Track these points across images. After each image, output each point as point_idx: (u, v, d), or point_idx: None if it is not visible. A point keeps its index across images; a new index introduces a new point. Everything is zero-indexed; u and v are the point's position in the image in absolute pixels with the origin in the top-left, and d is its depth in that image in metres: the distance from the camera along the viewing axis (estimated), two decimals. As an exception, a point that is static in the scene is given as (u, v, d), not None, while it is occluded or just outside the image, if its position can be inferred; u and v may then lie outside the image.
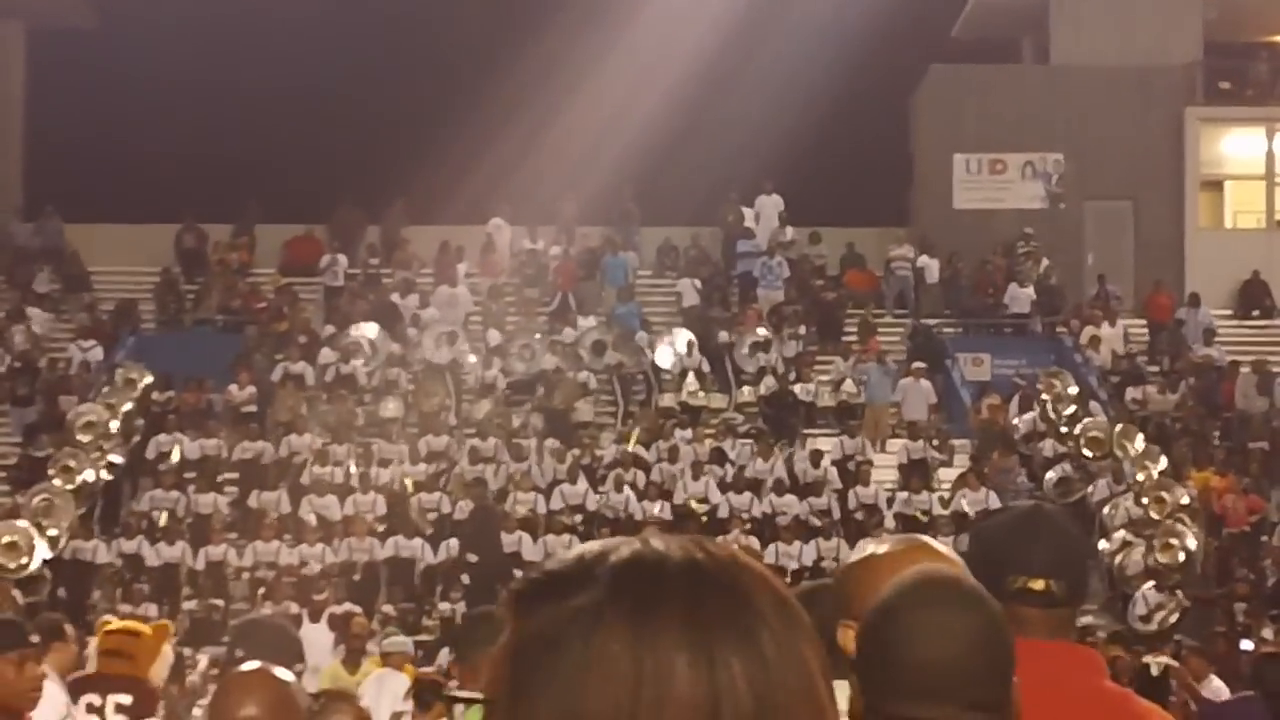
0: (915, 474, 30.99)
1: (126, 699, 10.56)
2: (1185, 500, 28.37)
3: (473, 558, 28.04)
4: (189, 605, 27.56)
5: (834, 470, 31.08)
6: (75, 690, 10.83)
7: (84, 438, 28.87)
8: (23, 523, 26.41)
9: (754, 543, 28.63)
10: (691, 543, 1.71)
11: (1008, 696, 3.01)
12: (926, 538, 3.69)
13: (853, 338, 36.73)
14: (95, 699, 10.68)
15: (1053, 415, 31.28)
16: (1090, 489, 30.32)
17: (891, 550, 3.54)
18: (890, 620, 3.02)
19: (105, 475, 29.28)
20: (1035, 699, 3.76)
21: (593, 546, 1.71)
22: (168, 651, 11.49)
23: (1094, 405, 32.55)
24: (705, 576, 1.66)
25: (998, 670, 3.00)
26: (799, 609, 1.70)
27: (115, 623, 12.88)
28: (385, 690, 16.30)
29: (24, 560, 25.82)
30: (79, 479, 28.21)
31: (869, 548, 3.63)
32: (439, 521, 29.44)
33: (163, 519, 29.19)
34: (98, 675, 10.96)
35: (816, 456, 31.23)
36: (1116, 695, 4.02)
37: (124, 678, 10.74)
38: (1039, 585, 3.92)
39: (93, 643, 12.46)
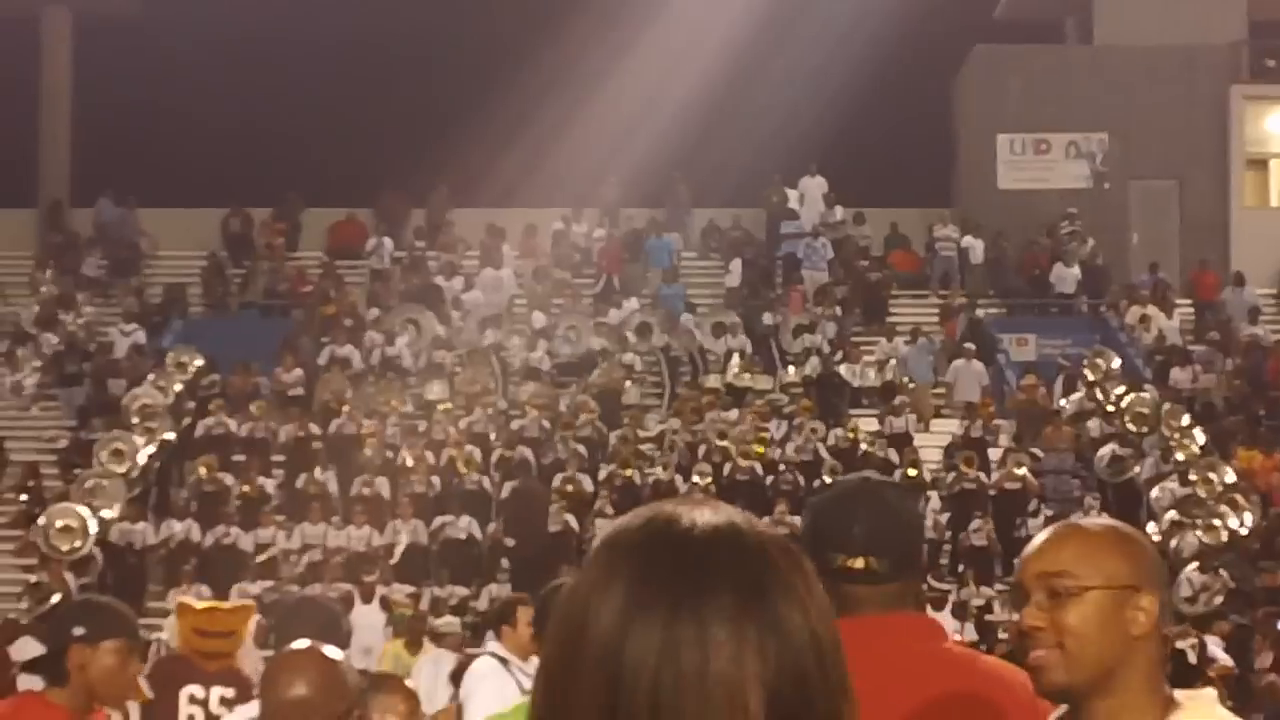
0: (970, 452, 30.89)
1: (230, 691, 10.53)
2: (1231, 479, 28.34)
3: (510, 541, 28.14)
4: (240, 586, 27.72)
5: (885, 449, 31.06)
6: (172, 678, 10.76)
7: (137, 421, 29.08)
8: (78, 506, 26.63)
9: (797, 521, 28.67)
10: (730, 513, 1.78)
11: None
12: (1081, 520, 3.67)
13: (897, 318, 36.75)
14: (199, 690, 10.66)
15: (1099, 394, 31.25)
16: (1138, 468, 30.28)
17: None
18: None
19: (155, 459, 29.50)
20: (873, 670, 3.84)
21: (640, 512, 1.79)
22: (251, 630, 11.53)
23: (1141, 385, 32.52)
24: (742, 548, 1.74)
25: None
26: (820, 586, 1.77)
27: (198, 603, 12.90)
28: (441, 671, 16.40)
29: (78, 543, 26.05)
30: (129, 462, 28.43)
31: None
32: (486, 501, 29.56)
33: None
34: (195, 664, 10.85)
35: (861, 436, 31.26)
36: (961, 656, 4.02)
37: (226, 670, 10.70)
38: (858, 563, 3.89)
39: (169, 622, 12.48)
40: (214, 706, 10.55)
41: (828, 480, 29.81)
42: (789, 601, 1.73)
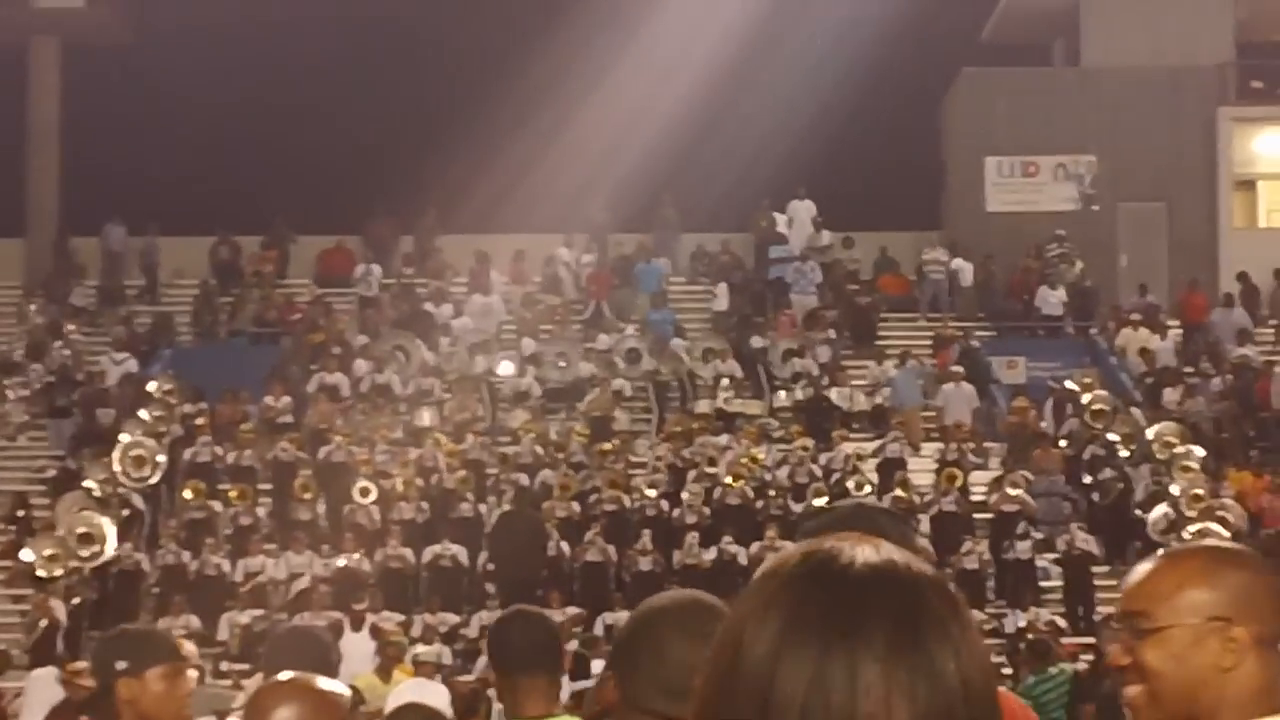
0: (953, 469, 30.88)
1: None
2: (1224, 500, 28.33)
3: (491, 566, 28.10)
4: (229, 616, 27.66)
5: (874, 474, 31.08)
6: None
7: (127, 451, 29.01)
8: (61, 534, 26.55)
9: (788, 545, 28.63)
10: (890, 553, 1.80)
11: None
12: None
13: (887, 342, 36.78)
14: None
15: (1088, 417, 31.25)
16: (1125, 487, 30.27)
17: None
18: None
19: (144, 488, 29.44)
20: None
21: (803, 546, 1.83)
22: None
23: (1131, 407, 32.54)
24: (898, 588, 1.75)
25: None
26: (978, 627, 1.79)
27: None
28: (427, 696, 16.30)
29: (61, 571, 25.96)
30: (114, 490, 28.36)
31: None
32: (477, 528, 29.53)
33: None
34: None
35: (851, 460, 31.26)
36: None
37: None
38: None
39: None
40: None
41: (816, 504, 29.83)
42: (942, 645, 1.73)
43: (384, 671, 20.47)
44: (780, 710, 1.70)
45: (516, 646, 5.60)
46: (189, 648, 9.75)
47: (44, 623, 25.18)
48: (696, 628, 3.23)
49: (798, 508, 29.83)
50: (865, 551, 1.79)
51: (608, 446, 31.13)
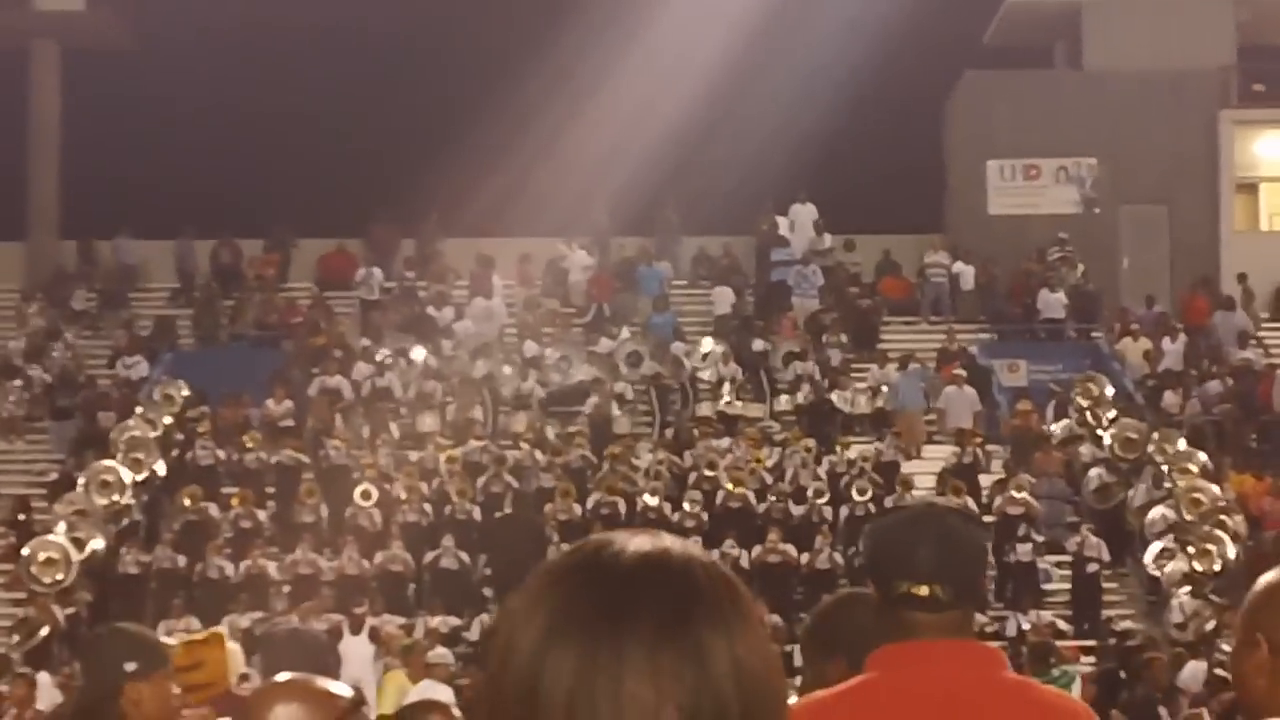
0: (960, 480, 30.80)
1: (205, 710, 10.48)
2: (1223, 502, 28.29)
3: (501, 570, 28.06)
4: (230, 618, 27.62)
5: (874, 476, 31.04)
6: None
7: (125, 453, 29.01)
8: (59, 538, 26.51)
9: (790, 549, 28.65)
10: (665, 542, 1.76)
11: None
12: None
13: (889, 345, 36.74)
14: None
15: (1089, 419, 31.22)
16: (1130, 493, 30.23)
17: None
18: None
19: (143, 490, 29.43)
20: (930, 696, 3.82)
21: (579, 542, 1.79)
22: (235, 650, 11.47)
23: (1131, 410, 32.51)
24: (666, 575, 1.72)
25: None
26: (758, 615, 1.76)
27: (172, 640, 12.87)
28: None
29: (60, 575, 25.93)
30: (116, 493, 28.34)
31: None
32: (478, 531, 29.51)
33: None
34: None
35: (853, 463, 31.21)
36: (1016, 684, 3.98)
37: (219, 698, 10.64)
38: (923, 590, 3.86)
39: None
40: None
41: (818, 504, 29.81)
42: (714, 630, 1.70)
43: (414, 675, 20.42)
44: (548, 705, 1.67)
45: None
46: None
47: (46, 629, 25.16)
48: None
49: (798, 510, 29.84)
50: (637, 542, 1.75)
51: (615, 450, 31.03)
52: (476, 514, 29.76)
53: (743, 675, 1.70)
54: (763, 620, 1.69)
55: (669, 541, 1.77)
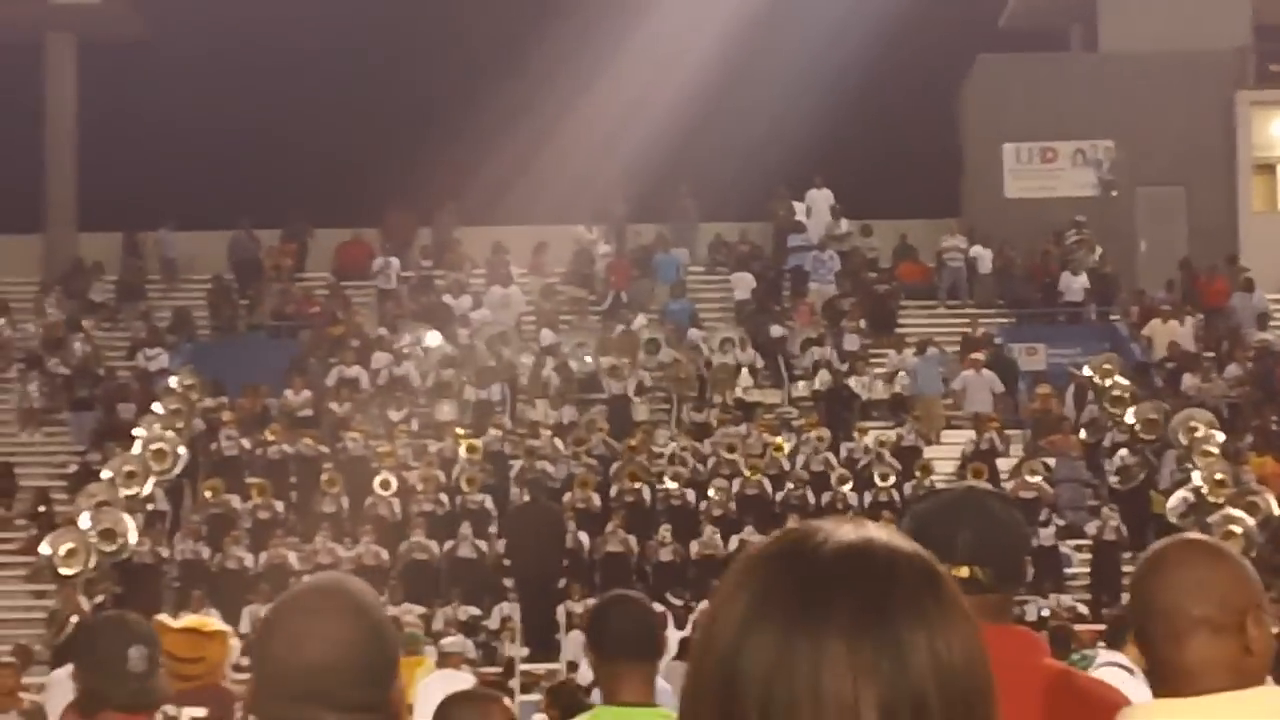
0: (979, 464, 30.77)
1: (200, 711, 10.51)
2: (1246, 484, 28.23)
3: (521, 559, 28.07)
4: (250, 608, 27.67)
5: (894, 461, 31.01)
6: None
7: (149, 445, 29.04)
8: (81, 528, 26.55)
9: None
10: (870, 532, 1.76)
11: (384, 700, 3.09)
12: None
13: (906, 330, 36.70)
14: (170, 709, 10.65)
15: (1108, 402, 31.17)
16: (1148, 474, 30.18)
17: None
18: (270, 626, 3.15)
19: (165, 481, 29.48)
20: None
21: (785, 529, 1.79)
22: (235, 646, 11.49)
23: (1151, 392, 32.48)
24: (868, 566, 1.72)
25: (371, 675, 3.08)
26: (965, 611, 1.75)
27: (174, 622, 12.87)
28: (451, 689, 16.24)
29: (81, 567, 25.96)
30: (139, 485, 28.38)
31: None
32: (495, 520, 29.54)
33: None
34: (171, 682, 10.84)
35: (872, 449, 31.19)
36: (1057, 672, 3.99)
37: (199, 690, 10.67)
38: (964, 572, 3.86)
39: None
40: None
41: (843, 491, 29.79)
42: (913, 623, 1.70)
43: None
44: (744, 690, 1.67)
45: (615, 633, 5.51)
46: None
47: (75, 619, 25.18)
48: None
49: (819, 497, 29.82)
50: (842, 531, 1.75)
51: (633, 442, 31.02)
52: (487, 503, 29.76)
53: (943, 671, 1.69)
54: (970, 618, 1.67)
55: (874, 532, 1.76)
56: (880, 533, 1.76)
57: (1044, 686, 3.87)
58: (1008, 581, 3.94)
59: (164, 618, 14.53)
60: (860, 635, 1.67)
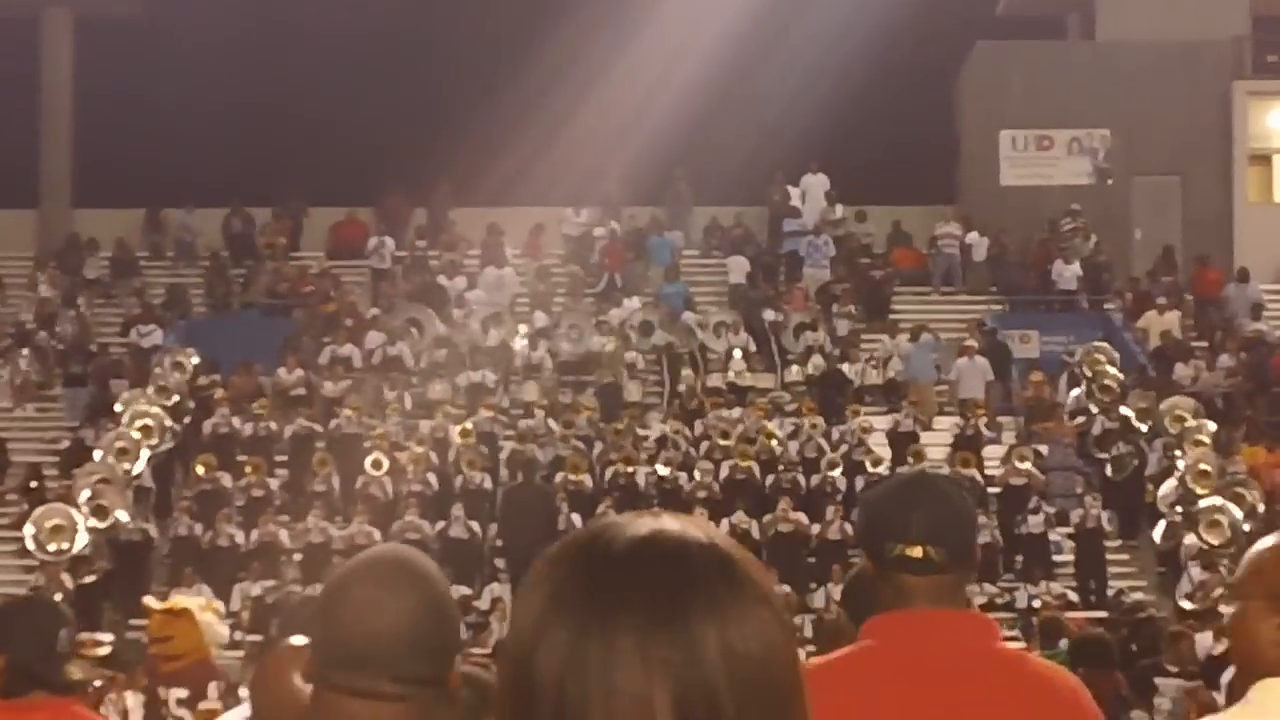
0: (966, 453, 30.80)
1: (183, 692, 10.55)
2: (1234, 474, 28.26)
3: (512, 540, 28.11)
4: (241, 586, 27.70)
5: (886, 448, 31.04)
6: (152, 677, 10.82)
7: (134, 421, 29.04)
8: (67, 506, 26.54)
9: (801, 518, 28.68)
10: (665, 525, 1.72)
11: (444, 677, 3.10)
12: None
13: (900, 316, 36.72)
14: (161, 691, 10.71)
15: (1098, 390, 31.19)
16: (1139, 462, 30.21)
17: None
18: (336, 595, 3.15)
19: (155, 458, 29.47)
20: (923, 665, 3.84)
21: (581, 529, 1.77)
22: (210, 622, 11.51)
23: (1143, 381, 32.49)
24: (661, 561, 1.68)
25: (435, 649, 3.10)
26: (764, 598, 1.69)
27: (157, 604, 12.91)
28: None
29: (67, 544, 25.95)
30: (131, 461, 28.38)
31: None
32: (488, 500, 29.56)
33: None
34: (158, 665, 10.88)
35: (864, 434, 31.20)
36: (1010, 656, 4.03)
37: (181, 671, 10.70)
38: (916, 552, 3.90)
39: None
40: (173, 707, 10.56)
41: (832, 475, 29.83)
42: (704, 614, 1.65)
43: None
44: (542, 689, 1.66)
45: None
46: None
47: (59, 597, 25.18)
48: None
49: (809, 481, 29.86)
50: (637, 524, 1.72)
51: (620, 426, 31.05)
52: (487, 483, 29.81)
53: (737, 661, 1.65)
54: (772, 603, 1.59)
55: (667, 523, 1.73)
56: (674, 523, 1.72)
57: (997, 670, 3.88)
58: (959, 562, 3.96)
59: (149, 600, 14.59)
60: (651, 630, 1.64)
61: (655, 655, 1.63)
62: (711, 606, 1.66)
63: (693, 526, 1.73)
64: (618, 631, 1.64)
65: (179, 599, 13.03)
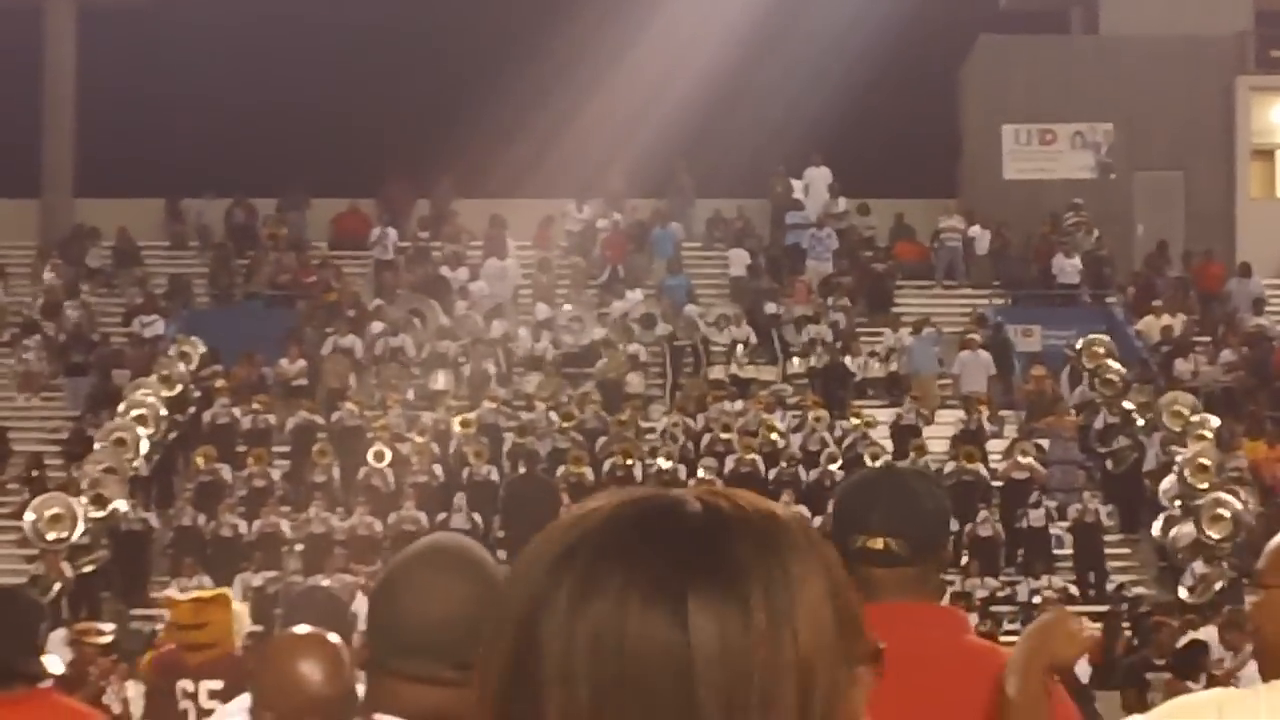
0: (970, 447, 30.80)
1: (217, 684, 10.51)
2: (1234, 469, 28.28)
3: (514, 531, 28.12)
4: (242, 576, 27.72)
5: (888, 441, 31.04)
6: (169, 671, 10.78)
7: (137, 411, 29.07)
8: (66, 495, 26.57)
9: (804, 510, 28.68)
10: (697, 493, 1.62)
11: None
12: None
13: (902, 309, 36.72)
14: (189, 684, 10.66)
15: (1099, 384, 31.20)
16: (1138, 455, 30.23)
17: None
18: (396, 581, 3.17)
19: (156, 449, 29.50)
20: (890, 659, 3.83)
21: (597, 497, 1.68)
22: (241, 611, 11.48)
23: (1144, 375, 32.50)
24: (699, 527, 1.58)
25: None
26: (811, 570, 1.59)
27: (181, 595, 12.89)
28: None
29: (66, 533, 25.98)
30: (131, 451, 28.40)
31: None
32: (491, 491, 29.57)
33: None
34: (184, 657, 10.79)
35: (867, 428, 31.22)
36: (980, 649, 4.03)
37: (213, 661, 10.65)
38: (877, 544, 3.94)
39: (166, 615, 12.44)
40: (203, 700, 10.51)
41: (831, 469, 29.84)
42: (748, 592, 1.55)
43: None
44: (564, 656, 1.55)
45: None
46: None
47: (59, 585, 25.23)
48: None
49: (810, 475, 29.87)
50: (669, 496, 1.61)
51: (623, 417, 31.05)
52: (491, 474, 29.82)
53: (777, 644, 1.54)
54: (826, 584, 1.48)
55: (716, 492, 1.62)
56: (721, 495, 1.61)
57: (965, 663, 3.89)
58: (923, 554, 3.98)
59: (171, 592, 14.60)
60: (650, 604, 1.53)
61: (699, 632, 1.52)
62: (758, 582, 1.55)
63: (707, 493, 1.64)
64: (656, 602, 1.53)
65: (204, 589, 13.06)
